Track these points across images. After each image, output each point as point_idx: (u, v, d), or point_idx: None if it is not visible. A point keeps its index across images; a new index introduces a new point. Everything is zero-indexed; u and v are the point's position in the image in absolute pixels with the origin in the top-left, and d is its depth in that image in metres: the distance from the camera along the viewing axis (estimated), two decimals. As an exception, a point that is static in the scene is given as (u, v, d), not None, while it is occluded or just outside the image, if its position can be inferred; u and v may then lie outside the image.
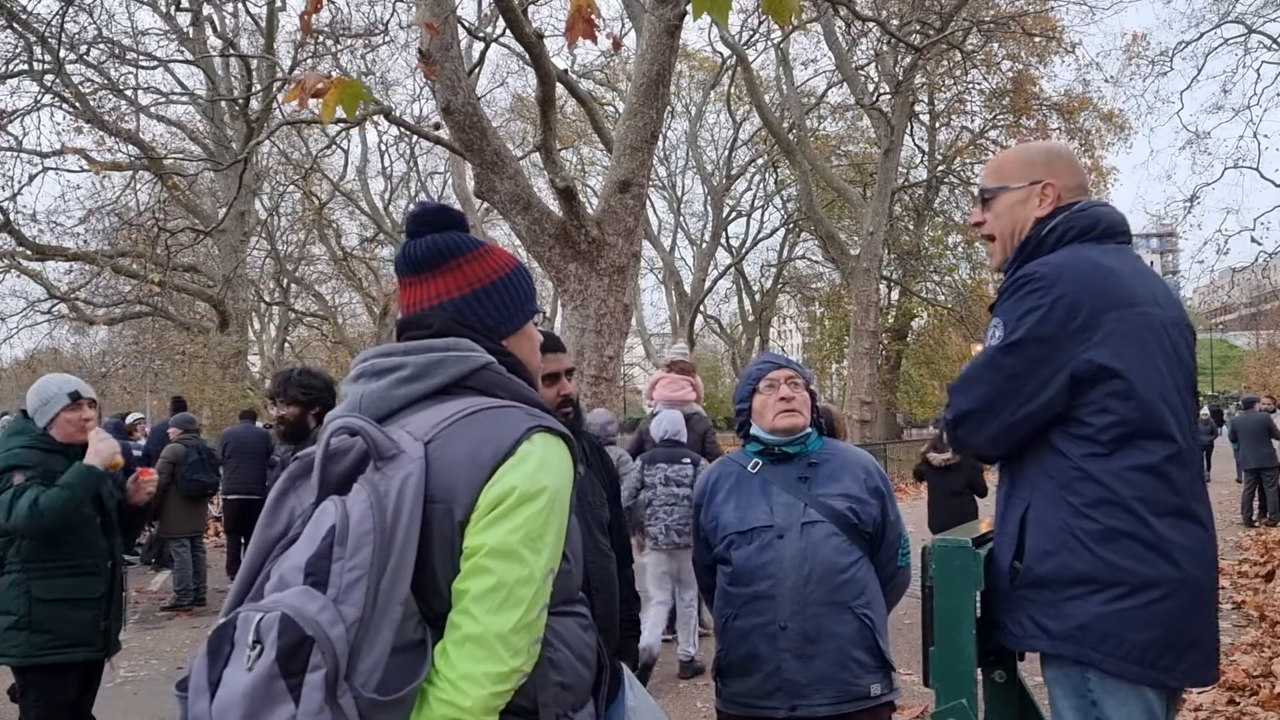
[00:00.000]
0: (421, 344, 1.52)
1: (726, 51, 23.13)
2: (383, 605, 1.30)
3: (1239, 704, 4.81)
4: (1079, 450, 1.94)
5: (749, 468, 2.66)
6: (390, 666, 1.29)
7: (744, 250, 34.67)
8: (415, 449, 1.39)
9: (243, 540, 9.89)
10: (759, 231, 34.90)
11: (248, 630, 1.27)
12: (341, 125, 15.98)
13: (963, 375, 2.12)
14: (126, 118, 18.07)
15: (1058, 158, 2.18)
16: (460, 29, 9.04)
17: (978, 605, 2.09)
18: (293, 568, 1.32)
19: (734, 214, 34.26)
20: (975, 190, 2.31)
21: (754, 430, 2.67)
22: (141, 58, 17.16)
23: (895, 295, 30.47)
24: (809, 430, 2.65)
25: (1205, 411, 24.67)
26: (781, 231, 34.19)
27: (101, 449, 3.53)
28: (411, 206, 1.72)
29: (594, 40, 3.38)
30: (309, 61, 19.08)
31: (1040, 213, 2.10)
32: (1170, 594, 1.87)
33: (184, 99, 21.14)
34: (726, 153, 32.04)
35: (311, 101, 3.28)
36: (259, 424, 10.31)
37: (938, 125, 28.98)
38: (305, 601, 1.26)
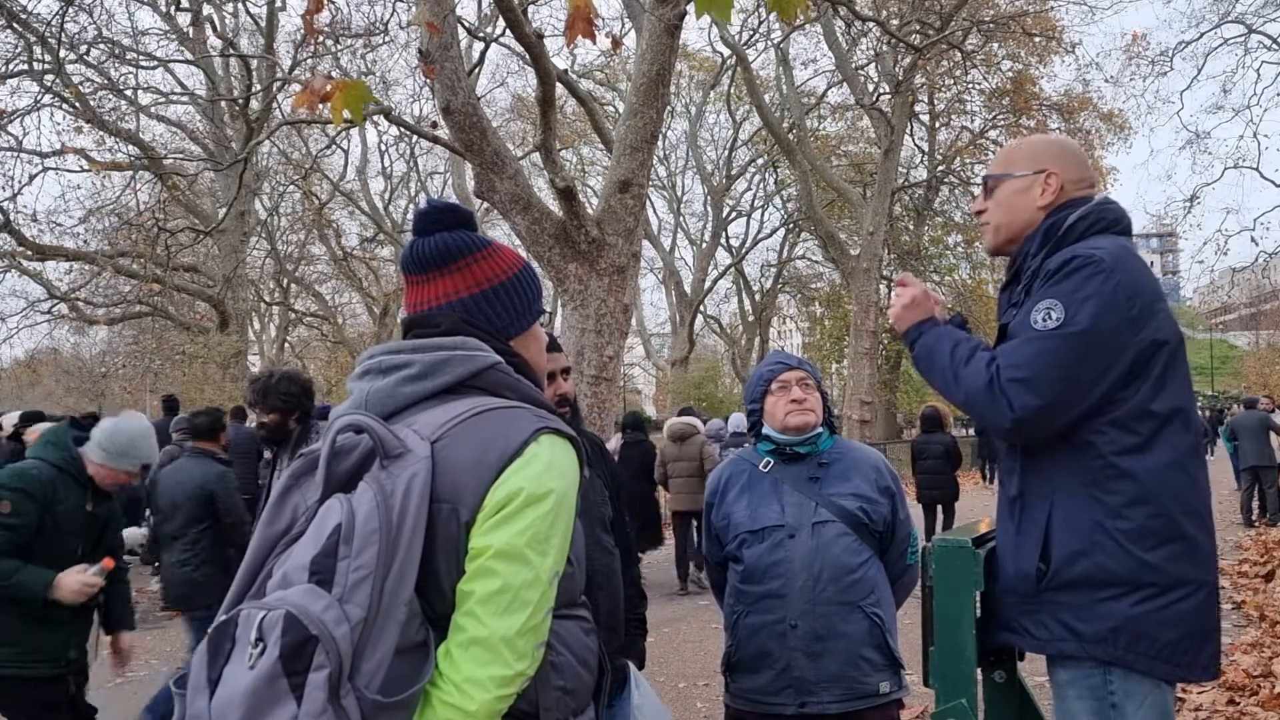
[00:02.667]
0: (429, 342, 1.50)
1: (726, 51, 23.13)
2: (388, 605, 1.28)
3: (1239, 704, 4.81)
4: (1113, 445, 1.87)
5: (760, 466, 2.68)
6: (393, 668, 1.28)
7: (744, 250, 34.64)
8: (422, 448, 1.37)
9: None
10: (759, 231, 34.91)
11: (250, 628, 1.25)
12: (342, 125, 15.96)
13: (1019, 364, 1.89)
14: (126, 118, 18.05)
15: (1066, 151, 2.16)
16: (460, 29, 9.03)
17: (978, 605, 2.09)
18: (297, 566, 1.31)
19: (734, 214, 34.26)
20: (980, 179, 2.27)
21: (765, 430, 2.69)
22: (141, 58, 17.16)
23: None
24: (820, 429, 2.67)
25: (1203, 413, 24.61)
26: (781, 231, 34.17)
27: (75, 583, 3.22)
28: (420, 204, 1.70)
29: (594, 40, 3.39)
30: (309, 61, 19.07)
31: (1042, 202, 2.07)
32: (1194, 592, 1.87)
33: (184, 99, 21.14)
34: (726, 153, 32.05)
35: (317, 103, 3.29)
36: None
37: (938, 125, 28.94)
38: (310, 600, 1.25)
